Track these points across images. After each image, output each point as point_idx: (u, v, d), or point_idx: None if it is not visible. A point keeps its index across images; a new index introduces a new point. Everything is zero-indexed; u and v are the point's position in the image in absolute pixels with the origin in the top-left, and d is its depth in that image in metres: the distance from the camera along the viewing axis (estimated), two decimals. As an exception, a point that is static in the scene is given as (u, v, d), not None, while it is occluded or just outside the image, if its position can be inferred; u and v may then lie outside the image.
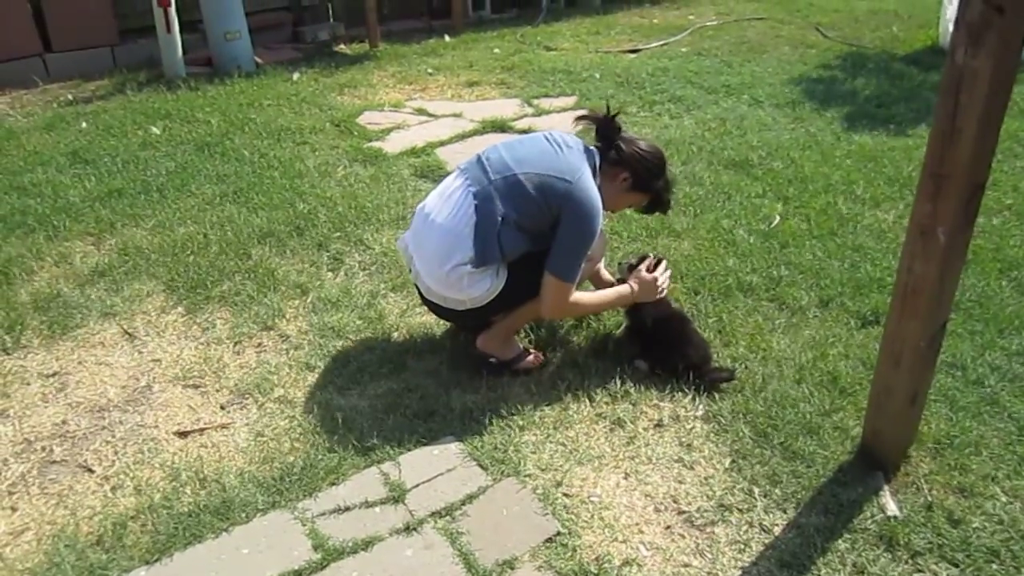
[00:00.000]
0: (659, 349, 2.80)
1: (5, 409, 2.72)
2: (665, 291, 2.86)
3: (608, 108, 2.79)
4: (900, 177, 4.28)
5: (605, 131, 2.76)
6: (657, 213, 2.95)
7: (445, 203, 2.66)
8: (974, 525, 2.16)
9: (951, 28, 6.24)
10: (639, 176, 2.74)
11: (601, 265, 3.09)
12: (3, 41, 6.34)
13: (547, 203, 2.55)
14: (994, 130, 1.86)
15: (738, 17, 8.38)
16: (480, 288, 2.60)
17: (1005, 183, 4.16)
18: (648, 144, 2.78)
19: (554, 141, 2.67)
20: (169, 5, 6.11)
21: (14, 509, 2.31)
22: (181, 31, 6.35)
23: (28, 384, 2.84)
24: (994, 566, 2.05)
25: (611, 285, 3.04)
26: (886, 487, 2.29)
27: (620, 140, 2.74)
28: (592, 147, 2.74)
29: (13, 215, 3.98)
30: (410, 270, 2.81)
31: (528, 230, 2.58)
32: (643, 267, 2.84)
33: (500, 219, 2.55)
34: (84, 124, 5.28)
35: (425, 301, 2.81)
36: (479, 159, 2.70)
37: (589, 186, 2.58)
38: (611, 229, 3.70)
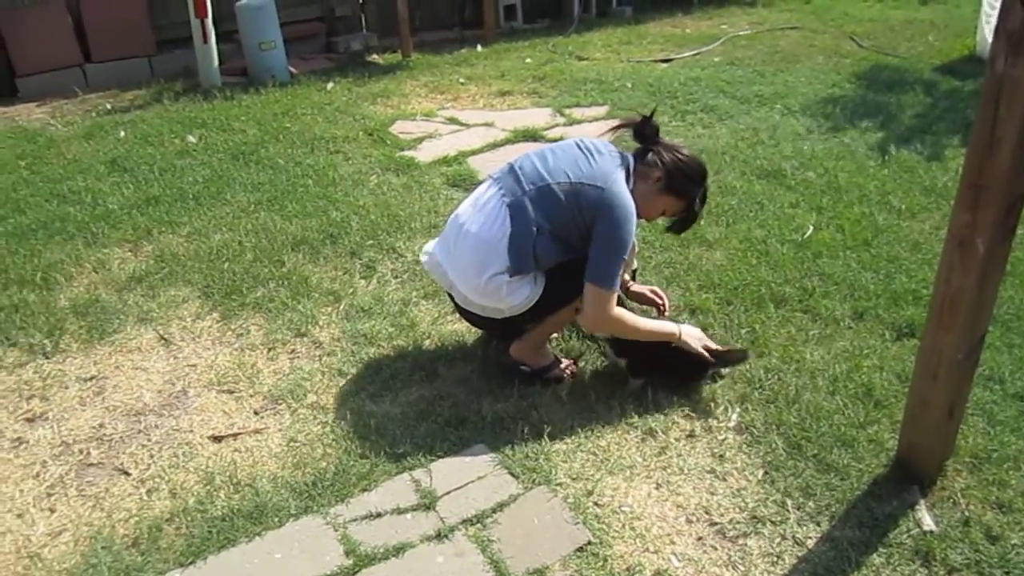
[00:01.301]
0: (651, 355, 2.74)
1: (44, 412, 2.76)
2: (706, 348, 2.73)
3: (652, 113, 2.74)
4: (936, 188, 4.23)
5: (642, 132, 2.72)
6: (677, 233, 2.89)
7: (479, 213, 2.67)
8: (1013, 541, 2.12)
9: (989, 37, 6.15)
10: (672, 177, 2.67)
11: (627, 276, 3.07)
12: (45, 52, 6.49)
13: (580, 211, 2.54)
14: (1035, 140, 1.84)
15: (771, 27, 8.33)
16: (519, 296, 2.61)
17: (1044, 194, 4.09)
18: (689, 152, 2.74)
19: (586, 148, 2.67)
20: (206, 16, 6.21)
21: (52, 510, 2.35)
22: (217, 41, 6.45)
23: (67, 388, 2.89)
24: (1033, 583, 2.02)
25: (640, 296, 3.03)
26: (922, 501, 2.26)
27: (659, 143, 2.71)
28: (627, 153, 2.72)
29: (53, 222, 4.05)
30: (442, 280, 2.80)
31: (562, 239, 2.58)
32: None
33: (535, 229, 2.55)
34: (122, 133, 5.37)
35: (460, 310, 2.82)
36: (512, 168, 2.69)
37: (622, 191, 2.56)
38: (643, 239, 3.69)
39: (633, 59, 7.27)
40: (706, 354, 2.70)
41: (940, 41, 7.39)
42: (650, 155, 2.69)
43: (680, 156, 2.69)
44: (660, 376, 2.77)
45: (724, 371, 2.82)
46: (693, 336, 2.71)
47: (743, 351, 2.82)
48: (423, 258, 2.86)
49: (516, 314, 2.66)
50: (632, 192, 2.61)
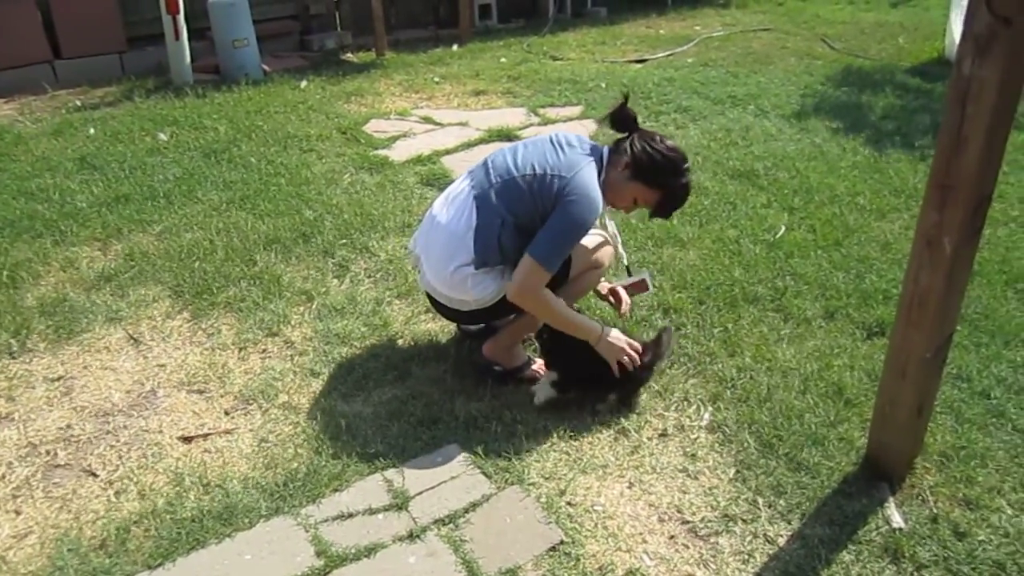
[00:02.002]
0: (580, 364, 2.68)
1: (10, 413, 2.72)
2: (628, 365, 2.62)
3: (626, 98, 2.68)
4: (906, 188, 4.28)
5: (616, 119, 2.67)
6: (662, 218, 2.79)
7: (450, 206, 2.69)
8: (980, 538, 2.15)
9: (957, 39, 6.23)
10: (640, 166, 2.60)
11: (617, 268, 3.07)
12: (13, 48, 6.38)
13: (541, 200, 2.53)
14: (1001, 141, 1.86)
15: (744, 28, 8.40)
16: (485, 290, 2.60)
17: (1011, 195, 4.16)
18: (667, 142, 2.63)
19: (557, 142, 2.66)
20: (178, 12, 6.14)
21: (18, 512, 2.31)
22: (189, 39, 6.39)
23: (33, 388, 2.84)
24: (1000, 579, 2.04)
25: (609, 294, 3.03)
26: (891, 499, 2.28)
27: (637, 132, 2.65)
28: (602, 145, 2.71)
29: (21, 220, 3.99)
30: (417, 271, 2.82)
31: (527, 230, 2.55)
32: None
33: (500, 221, 2.55)
34: (92, 130, 5.30)
35: (432, 302, 2.81)
36: (485, 163, 2.71)
37: (585, 181, 2.53)
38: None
39: (607, 59, 7.29)
40: (616, 371, 2.62)
41: (910, 44, 7.48)
42: (624, 144, 2.65)
43: (652, 145, 2.61)
44: (591, 390, 2.72)
45: (664, 362, 2.82)
46: (615, 345, 2.61)
47: (664, 330, 2.80)
48: (409, 246, 2.88)
49: (483, 307, 2.66)
50: (603, 181, 2.60)
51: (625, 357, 2.61)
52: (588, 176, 2.55)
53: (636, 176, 2.62)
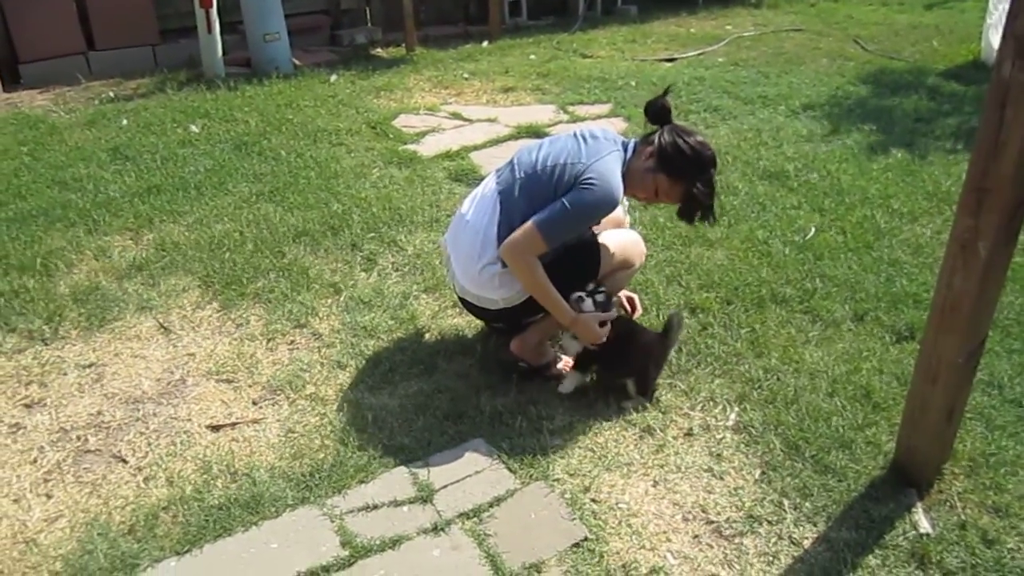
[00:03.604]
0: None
1: (43, 398, 2.76)
2: (602, 340, 2.62)
3: (666, 90, 2.67)
4: (939, 192, 4.23)
5: (653, 109, 2.64)
6: (696, 221, 2.68)
7: (477, 203, 2.71)
8: (1009, 546, 2.13)
9: (994, 43, 6.11)
10: (665, 156, 2.57)
11: None
12: (49, 39, 6.46)
13: (558, 188, 2.53)
14: (1040, 145, 1.83)
15: (775, 28, 8.33)
16: (512, 288, 2.61)
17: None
18: (698, 138, 2.60)
19: (582, 135, 2.66)
20: (211, 6, 6.19)
21: (49, 496, 2.35)
22: (221, 32, 6.44)
23: (65, 374, 2.88)
24: (1029, 588, 2.02)
25: (625, 300, 3.03)
26: (919, 504, 2.26)
27: (670, 124, 2.62)
28: (630, 138, 2.70)
29: (54, 209, 4.05)
30: (447, 269, 2.83)
31: None
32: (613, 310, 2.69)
33: (522, 216, 2.55)
34: (125, 121, 5.37)
35: (461, 300, 2.83)
36: (511, 160, 2.72)
37: (604, 170, 2.52)
38: (644, 237, 3.67)
39: (637, 58, 7.26)
40: (591, 347, 2.64)
41: (945, 46, 7.38)
42: (654, 135, 2.63)
43: (682, 138, 2.58)
44: (608, 362, 2.73)
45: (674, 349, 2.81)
46: (589, 327, 2.59)
47: (673, 315, 2.78)
48: (441, 242, 2.90)
49: (510, 306, 2.66)
50: (626, 171, 2.59)
51: (598, 339, 2.61)
52: (609, 163, 2.55)
53: (660, 167, 2.59)
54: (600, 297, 2.63)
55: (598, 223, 2.74)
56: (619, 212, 2.94)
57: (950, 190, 4.21)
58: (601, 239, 2.71)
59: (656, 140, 2.61)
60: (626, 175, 2.59)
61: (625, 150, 2.64)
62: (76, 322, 3.16)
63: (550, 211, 2.51)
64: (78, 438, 2.58)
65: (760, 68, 6.79)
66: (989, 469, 2.37)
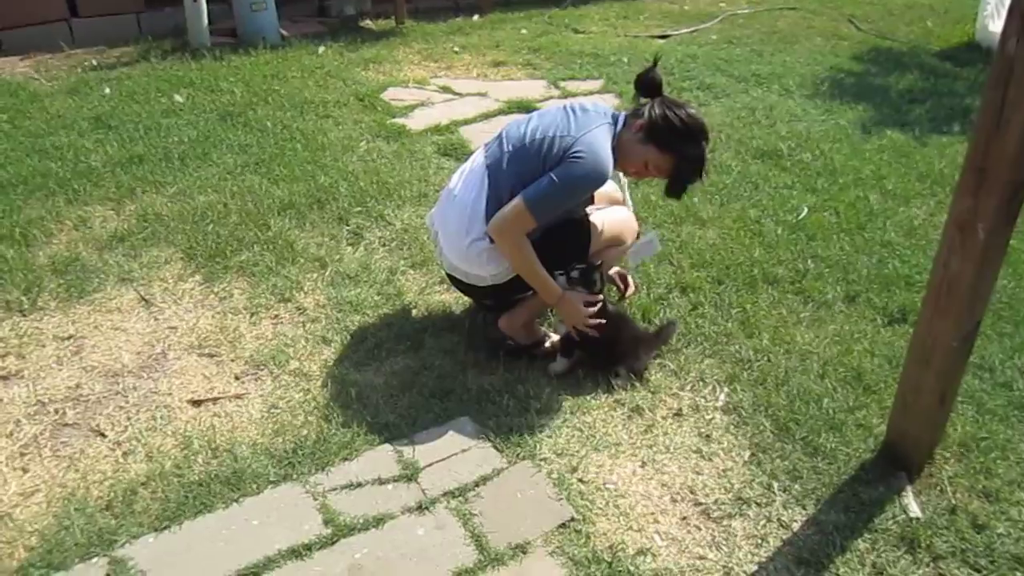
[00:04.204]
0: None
1: (20, 370, 2.70)
2: (585, 323, 2.60)
3: (655, 61, 2.60)
4: (932, 174, 4.19)
5: (642, 82, 2.59)
6: (680, 194, 2.65)
7: (466, 178, 2.66)
8: (999, 531, 2.11)
9: (989, 24, 6.05)
10: (655, 128, 2.52)
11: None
12: (31, 5, 6.32)
13: (549, 163, 2.48)
14: (1043, 124, 1.79)
15: (769, 6, 8.24)
16: (501, 264, 2.57)
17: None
18: (688, 109, 2.55)
19: (571, 108, 2.61)
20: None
21: (25, 470, 2.30)
22: (207, 1, 6.31)
23: (43, 346, 2.82)
24: (1018, 574, 2.00)
25: (617, 276, 2.99)
26: (909, 488, 2.24)
27: (660, 96, 2.57)
28: (620, 111, 2.64)
29: (34, 177, 3.96)
30: (435, 246, 2.79)
31: None
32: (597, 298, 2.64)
33: (511, 189, 2.51)
34: (107, 90, 5.26)
35: (449, 277, 2.78)
36: (499, 134, 2.68)
37: (592, 141, 2.47)
38: (635, 215, 3.63)
39: (630, 34, 7.17)
40: (574, 334, 2.63)
41: (939, 27, 7.33)
42: (644, 108, 2.58)
43: (672, 110, 2.52)
44: (595, 352, 2.69)
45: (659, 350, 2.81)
46: (574, 309, 2.59)
47: (670, 324, 2.81)
48: (428, 219, 2.85)
49: (499, 283, 2.62)
50: (616, 143, 2.55)
51: (582, 325, 2.59)
52: (598, 136, 2.50)
53: (649, 138, 2.54)
54: (575, 273, 2.59)
55: (589, 197, 2.69)
56: (618, 192, 2.90)
57: (943, 172, 4.18)
58: (591, 217, 2.66)
59: (646, 112, 2.55)
60: (616, 149, 2.55)
61: (615, 123, 2.58)
62: (55, 293, 3.10)
63: (537, 186, 2.46)
64: (56, 411, 2.53)
65: (753, 46, 6.72)
66: (980, 453, 2.35)
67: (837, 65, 6.17)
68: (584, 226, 2.64)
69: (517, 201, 2.46)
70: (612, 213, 2.76)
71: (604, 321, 2.60)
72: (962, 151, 2.00)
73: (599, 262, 2.67)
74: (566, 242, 2.60)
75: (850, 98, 5.40)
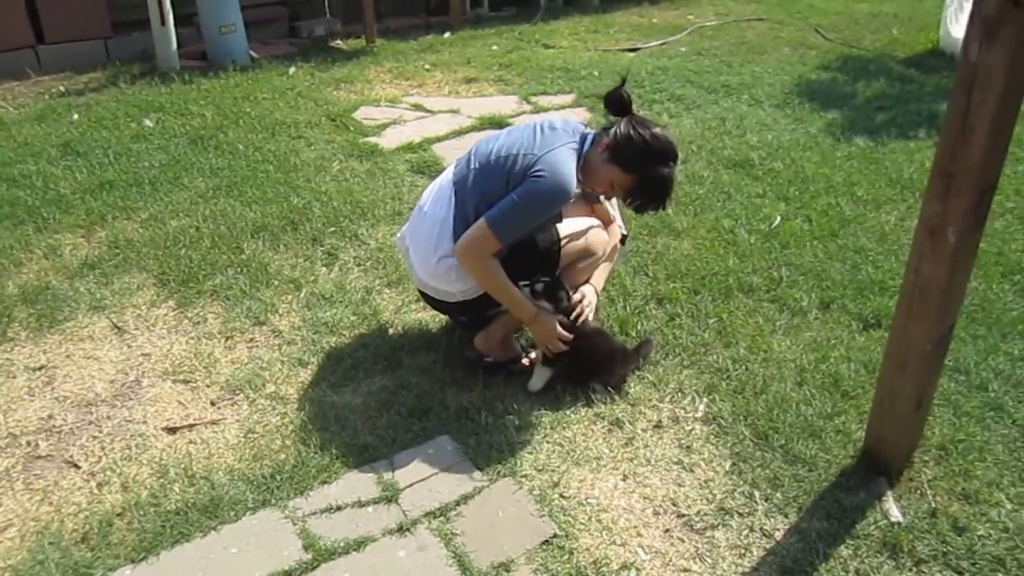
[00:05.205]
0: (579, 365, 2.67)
1: (-10, 403, 2.66)
2: (556, 347, 2.61)
3: (623, 80, 2.61)
4: (901, 179, 4.24)
5: (611, 101, 2.59)
6: (649, 211, 2.65)
7: (435, 195, 2.66)
8: (979, 533, 2.12)
9: (952, 31, 6.16)
10: (619, 148, 2.51)
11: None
12: (-4, 32, 6.27)
13: (512, 180, 2.48)
14: (1007, 129, 1.82)
15: (737, 18, 8.34)
16: (469, 281, 2.56)
17: (1007, 187, 4.12)
18: (654, 130, 2.53)
19: (540, 126, 2.60)
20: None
21: (-3, 505, 2.26)
22: (176, 24, 6.28)
23: (14, 377, 2.78)
24: (999, 575, 2.01)
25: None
26: (889, 492, 2.25)
27: (630, 116, 2.56)
28: (590, 129, 2.64)
29: (2, 206, 3.91)
30: (407, 263, 2.77)
31: None
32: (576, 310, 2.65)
33: (475, 206, 2.51)
34: (76, 116, 5.21)
35: (421, 294, 2.77)
36: (469, 151, 2.68)
37: (556, 161, 2.46)
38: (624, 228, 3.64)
39: (600, 48, 7.22)
40: (548, 352, 2.63)
41: (904, 35, 7.43)
42: (613, 126, 2.57)
43: (638, 130, 2.51)
44: (572, 368, 2.68)
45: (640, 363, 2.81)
46: (547, 328, 2.58)
47: (647, 342, 2.83)
48: (396, 239, 2.84)
49: (469, 299, 2.61)
50: (582, 163, 2.55)
51: (554, 344, 2.60)
52: (561, 155, 2.49)
53: (613, 158, 2.54)
54: (539, 287, 2.58)
55: (555, 216, 2.67)
56: (612, 209, 2.89)
57: (912, 177, 4.23)
58: (560, 228, 2.66)
59: (614, 132, 2.56)
60: (583, 168, 2.55)
61: (583, 142, 2.58)
62: (25, 323, 3.05)
63: (500, 206, 2.46)
64: (28, 443, 2.49)
65: (723, 57, 6.79)
66: (958, 456, 2.37)
67: (805, 74, 6.24)
68: (553, 238, 2.63)
69: (480, 223, 2.46)
70: (581, 224, 2.75)
71: (573, 339, 2.60)
72: (930, 156, 2.03)
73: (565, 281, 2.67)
74: (535, 255, 2.60)
75: (819, 106, 5.45)
